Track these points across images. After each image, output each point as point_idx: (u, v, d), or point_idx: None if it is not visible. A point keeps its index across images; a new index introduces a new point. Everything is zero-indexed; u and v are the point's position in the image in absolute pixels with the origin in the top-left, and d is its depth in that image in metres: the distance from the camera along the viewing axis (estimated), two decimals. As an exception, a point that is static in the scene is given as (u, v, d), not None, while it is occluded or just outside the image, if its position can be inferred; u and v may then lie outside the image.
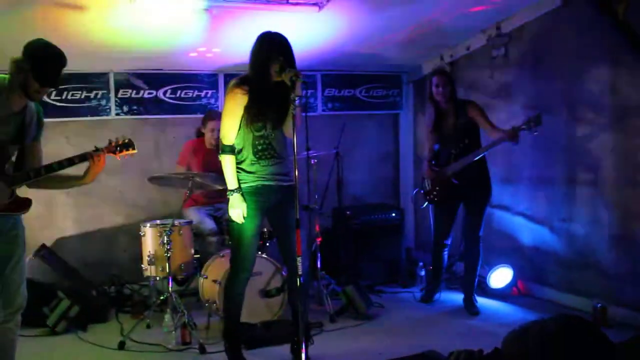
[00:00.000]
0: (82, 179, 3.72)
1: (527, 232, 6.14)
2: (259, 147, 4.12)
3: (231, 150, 4.13)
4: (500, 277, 6.08)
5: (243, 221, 4.10)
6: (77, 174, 3.72)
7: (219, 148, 4.20)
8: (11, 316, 3.54)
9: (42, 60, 3.35)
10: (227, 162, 4.12)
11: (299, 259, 3.71)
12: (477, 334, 4.91)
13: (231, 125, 4.10)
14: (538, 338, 1.58)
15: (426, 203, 5.83)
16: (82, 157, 3.64)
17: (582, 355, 1.54)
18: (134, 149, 3.91)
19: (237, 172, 4.15)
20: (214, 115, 5.98)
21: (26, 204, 3.57)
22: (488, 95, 6.46)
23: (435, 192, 5.62)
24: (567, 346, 1.55)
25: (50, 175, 3.58)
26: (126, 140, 3.89)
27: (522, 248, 6.20)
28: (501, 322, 5.23)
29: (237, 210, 4.09)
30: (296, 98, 3.75)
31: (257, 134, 4.10)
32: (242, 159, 4.16)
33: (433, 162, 5.65)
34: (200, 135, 6.24)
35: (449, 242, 5.78)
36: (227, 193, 4.13)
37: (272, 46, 4.01)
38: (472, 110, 5.47)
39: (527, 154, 5.93)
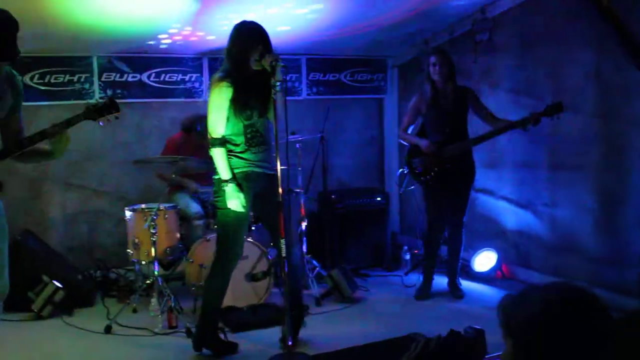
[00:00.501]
0: (51, 154, 3.46)
1: (511, 216, 6.19)
2: (249, 135, 4.15)
3: (221, 142, 4.13)
4: (485, 260, 6.14)
5: (243, 210, 4.09)
6: (45, 149, 3.46)
7: (209, 143, 4.18)
8: None
9: None
10: (219, 155, 4.12)
11: (282, 240, 3.83)
12: (462, 317, 4.95)
13: (219, 119, 4.11)
14: (540, 307, 1.57)
15: (416, 185, 5.78)
16: (47, 133, 3.33)
17: (586, 325, 1.54)
18: (117, 110, 3.47)
19: (229, 158, 4.16)
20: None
21: None
22: (472, 80, 6.47)
23: (432, 173, 5.46)
24: (570, 316, 1.55)
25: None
26: (106, 102, 3.46)
27: (506, 232, 6.24)
28: (486, 305, 5.27)
29: (235, 200, 4.09)
30: (277, 83, 3.81)
31: (246, 122, 4.12)
32: (235, 146, 4.17)
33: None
34: (185, 129, 6.20)
35: (444, 225, 5.69)
36: (222, 184, 4.11)
37: (249, 36, 4.04)
38: (472, 97, 5.50)
39: (511, 139, 5.93)
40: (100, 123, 3.45)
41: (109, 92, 6.42)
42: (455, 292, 5.62)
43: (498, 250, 6.13)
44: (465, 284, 5.83)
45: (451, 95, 5.42)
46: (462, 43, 6.56)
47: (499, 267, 6.14)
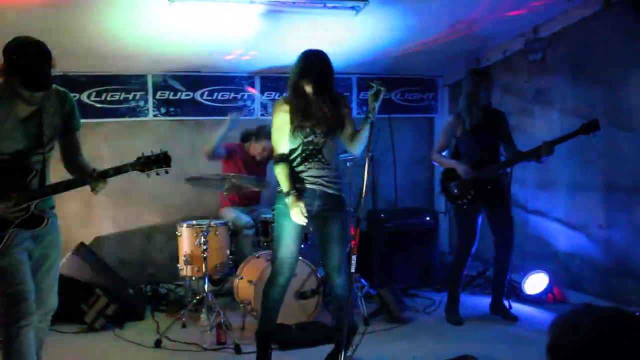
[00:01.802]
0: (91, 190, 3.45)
1: (564, 238, 6.08)
2: (307, 153, 4.21)
3: (281, 158, 4.23)
4: (535, 282, 6.02)
5: (304, 219, 4.14)
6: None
7: (273, 159, 4.29)
8: (43, 317, 3.56)
9: (22, 63, 3.15)
10: (280, 170, 4.21)
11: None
12: (514, 340, 4.87)
13: (279, 139, 4.23)
14: (591, 336, 1.53)
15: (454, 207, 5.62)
16: (82, 182, 3.40)
17: (636, 355, 1.50)
18: (168, 165, 3.43)
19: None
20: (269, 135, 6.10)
21: (40, 221, 3.38)
22: (524, 100, 6.43)
23: (470, 196, 5.37)
24: (621, 345, 1.50)
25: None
26: (160, 155, 3.45)
27: (558, 254, 6.13)
28: (536, 328, 5.16)
29: (295, 209, 4.12)
30: (374, 112, 4.08)
31: (305, 139, 4.19)
32: (293, 161, 4.26)
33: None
34: (244, 140, 6.30)
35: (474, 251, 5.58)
36: (284, 197, 4.17)
37: (306, 66, 4.15)
38: (504, 122, 5.46)
39: (563, 160, 5.85)
40: (148, 175, 3.45)
41: (163, 110, 6.55)
42: (506, 314, 5.52)
43: (550, 273, 6.00)
44: (516, 307, 5.72)
45: (489, 118, 5.35)
46: (515, 62, 6.52)
47: (550, 289, 6.02)
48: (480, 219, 5.47)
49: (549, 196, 6.22)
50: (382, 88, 4.08)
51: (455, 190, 5.45)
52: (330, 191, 4.25)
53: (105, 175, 3.37)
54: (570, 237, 6.01)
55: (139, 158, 3.43)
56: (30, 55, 3.17)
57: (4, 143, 3.28)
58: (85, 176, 3.39)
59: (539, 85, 6.30)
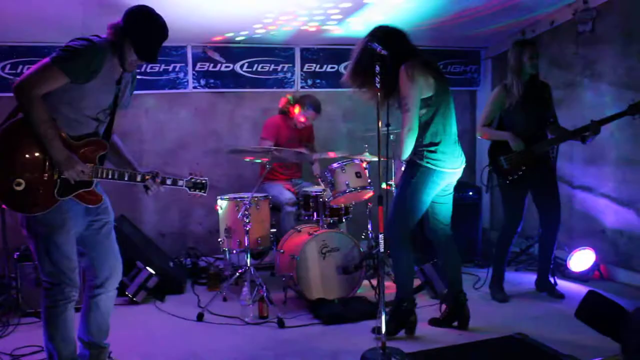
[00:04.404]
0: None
1: (611, 214, 5.92)
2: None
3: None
4: (581, 260, 5.89)
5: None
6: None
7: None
8: (117, 283, 3.64)
9: (147, 33, 3.24)
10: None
11: (381, 235, 3.82)
12: (561, 318, 4.75)
13: None
14: None
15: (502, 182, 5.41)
16: (143, 179, 3.57)
17: None
18: (204, 191, 3.76)
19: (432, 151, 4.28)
20: (317, 107, 6.09)
21: (98, 199, 3.43)
22: (572, 73, 6.23)
23: (521, 172, 5.21)
24: None
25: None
26: (204, 183, 3.76)
27: (605, 231, 5.98)
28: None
29: None
30: None
31: None
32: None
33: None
34: (283, 112, 6.21)
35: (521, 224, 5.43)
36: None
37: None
38: (550, 95, 5.29)
39: (613, 135, 5.69)
40: (188, 191, 3.72)
41: (203, 82, 6.49)
42: (552, 291, 5.40)
43: (596, 250, 5.87)
44: (561, 284, 5.61)
45: (538, 91, 5.21)
46: (563, 34, 6.31)
47: (596, 267, 5.89)
48: (528, 196, 5.33)
49: (597, 171, 6.05)
50: None
51: (506, 165, 5.28)
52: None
53: (164, 182, 3.59)
54: (618, 214, 5.85)
55: (191, 179, 3.71)
56: (154, 28, 3.27)
57: (100, 97, 3.30)
58: (148, 176, 3.54)
59: (588, 57, 6.10)
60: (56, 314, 3.33)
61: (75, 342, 3.49)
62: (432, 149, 4.27)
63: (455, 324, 4.60)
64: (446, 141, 4.31)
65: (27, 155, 3.14)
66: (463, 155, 4.49)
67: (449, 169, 4.34)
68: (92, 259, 3.51)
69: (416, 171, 4.29)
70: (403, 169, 4.46)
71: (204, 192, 3.75)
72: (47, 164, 3.18)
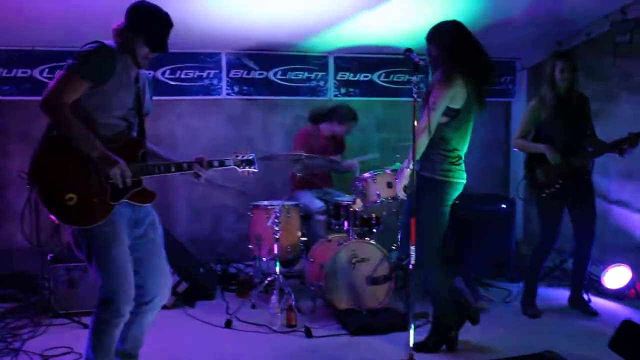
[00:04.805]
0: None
1: (648, 230, 5.80)
2: None
3: None
4: (617, 276, 5.76)
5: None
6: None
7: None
8: (164, 300, 3.60)
9: (153, 24, 3.27)
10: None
11: (412, 247, 3.82)
12: (595, 336, 4.64)
13: None
14: None
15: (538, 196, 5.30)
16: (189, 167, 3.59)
17: None
18: (254, 167, 3.78)
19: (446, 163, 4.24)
20: (352, 120, 6.09)
21: (151, 196, 3.45)
22: (609, 84, 6.13)
23: (558, 185, 5.11)
24: None
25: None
26: (249, 157, 3.77)
27: (641, 247, 5.86)
28: (617, 324, 4.94)
29: None
30: None
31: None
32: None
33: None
34: (314, 122, 6.20)
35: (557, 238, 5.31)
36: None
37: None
38: (588, 107, 5.21)
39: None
40: (238, 169, 3.74)
41: (236, 89, 6.52)
42: (586, 308, 5.30)
43: (632, 267, 5.74)
44: (595, 301, 5.50)
45: (574, 103, 5.12)
46: (600, 45, 6.21)
47: (632, 284, 5.76)
48: (564, 211, 5.24)
49: (634, 186, 5.93)
50: None
51: (542, 178, 5.20)
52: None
53: (211, 165, 3.61)
54: (656, 230, 5.73)
55: (237, 157, 3.73)
56: (159, 18, 3.29)
57: (123, 96, 3.30)
58: (194, 163, 3.56)
59: (625, 69, 5.99)
60: (106, 332, 3.30)
61: (114, 355, 3.45)
62: (446, 161, 4.22)
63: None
64: (457, 155, 4.30)
65: (71, 168, 3.14)
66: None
67: (459, 180, 4.32)
68: (141, 277, 3.43)
69: (431, 189, 4.23)
70: (407, 181, 4.24)
71: (255, 168, 3.76)
72: (92, 172, 3.18)
